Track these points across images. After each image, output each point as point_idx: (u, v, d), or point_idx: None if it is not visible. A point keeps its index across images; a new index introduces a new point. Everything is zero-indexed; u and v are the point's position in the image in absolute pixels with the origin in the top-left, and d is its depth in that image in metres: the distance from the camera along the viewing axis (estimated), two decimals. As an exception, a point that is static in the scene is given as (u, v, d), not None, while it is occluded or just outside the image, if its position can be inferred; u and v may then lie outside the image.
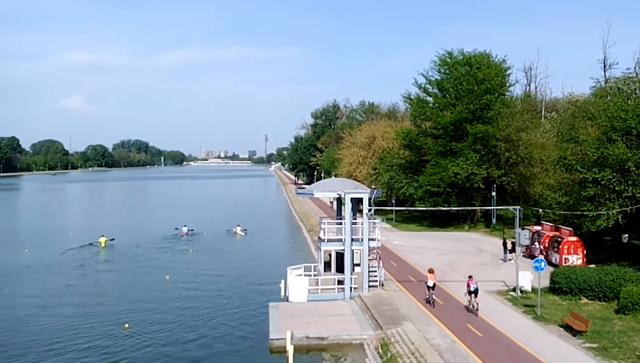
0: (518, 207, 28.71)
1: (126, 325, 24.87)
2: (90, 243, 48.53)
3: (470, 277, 24.61)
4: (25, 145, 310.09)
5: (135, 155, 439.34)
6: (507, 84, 56.00)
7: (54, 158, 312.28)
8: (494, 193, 50.54)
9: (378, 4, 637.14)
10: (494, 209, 48.27)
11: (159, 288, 32.67)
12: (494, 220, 52.13)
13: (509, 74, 55.32)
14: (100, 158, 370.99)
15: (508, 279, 29.48)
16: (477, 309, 23.57)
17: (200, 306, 28.66)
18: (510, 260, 34.70)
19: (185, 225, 56.12)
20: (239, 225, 57.01)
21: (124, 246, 49.03)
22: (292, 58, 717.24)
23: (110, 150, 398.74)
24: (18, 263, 40.59)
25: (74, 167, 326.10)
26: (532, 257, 33.27)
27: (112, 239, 49.39)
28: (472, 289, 23.73)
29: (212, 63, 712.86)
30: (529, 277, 27.66)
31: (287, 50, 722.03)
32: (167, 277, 35.40)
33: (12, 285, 34.09)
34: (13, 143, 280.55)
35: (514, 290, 27.48)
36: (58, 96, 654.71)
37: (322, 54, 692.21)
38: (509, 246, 35.95)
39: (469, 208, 48.09)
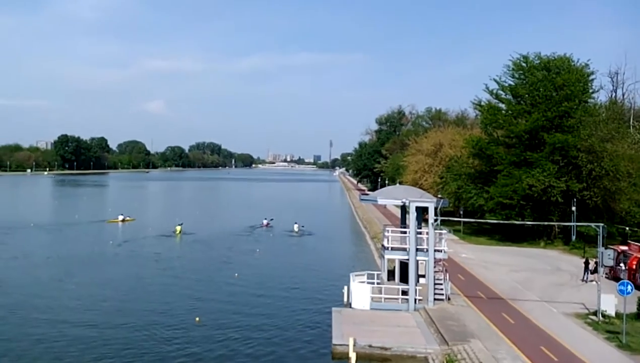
0: (601, 224, 26.64)
1: (197, 319, 25.90)
2: (168, 228, 55.55)
3: None
4: (112, 145, 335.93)
5: (208, 157, 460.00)
6: (590, 90, 52.29)
7: (137, 157, 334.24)
8: (574, 208, 47.17)
9: (444, 7, 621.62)
10: (573, 225, 45.10)
11: (227, 286, 33.79)
12: (573, 237, 48.63)
13: (592, 80, 51.77)
14: (178, 158, 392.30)
15: (588, 302, 27.31)
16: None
17: (266, 305, 29.20)
18: (591, 281, 32.20)
19: (265, 218, 64.53)
20: (296, 223, 61.02)
21: (197, 240, 52.52)
22: (357, 63, 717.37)
23: (187, 151, 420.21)
24: (103, 254, 43.90)
25: (154, 166, 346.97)
26: (616, 279, 30.70)
27: (181, 223, 56.15)
28: None
29: (280, 69, 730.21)
30: (612, 300, 25.45)
31: (352, 56, 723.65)
32: (236, 274, 36.47)
33: (94, 271, 36.85)
34: (102, 143, 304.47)
35: (594, 314, 25.40)
36: (141, 100, 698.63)
37: (387, 59, 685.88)
38: (591, 266, 33.34)
39: (546, 223, 45.03)
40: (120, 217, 65.73)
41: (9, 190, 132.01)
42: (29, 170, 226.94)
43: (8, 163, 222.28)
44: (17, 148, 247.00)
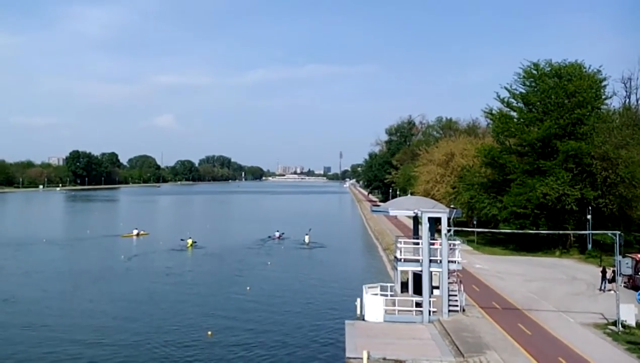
0: (618, 232, 26.14)
1: (209, 333, 25.83)
2: (181, 239, 56.47)
3: None
4: (123, 160, 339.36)
5: (218, 170, 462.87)
6: (603, 97, 51.72)
7: (148, 172, 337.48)
8: (589, 217, 46.41)
9: (454, 16, 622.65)
10: (589, 234, 44.35)
11: (239, 298, 33.73)
12: (589, 246, 47.83)
13: (604, 86, 51.20)
14: (188, 172, 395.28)
15: (607, 312, 26.71)
16: None
17: (278, 318, 29.11)
18: (609, 290, 31.51)
19: (277, 230, 65.35)
20: (307, 234, 62.60)
21: (209, 254, 52.78)
22: (366, 74, 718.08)
23: (197, 165, 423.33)
24: (115, 268, 44.12)
25: (164, 180, 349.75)
26: (635, 288, 30.08)
27: (197, 243, 56.12)
28: None
29: (288, 81, 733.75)
30: (633, 310, 24.89)
31: (361, 67, 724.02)
32: (248, 288, 36.34)
33: (106, 285, 37.03)
34: (113, 158, 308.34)
35: (614, 324, 24.80)
36: (151, 115, 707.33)
37: (396, 69, 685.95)
38: (609, 275, 32.67)
39: (561, 232, 44.32)
40: (135, 232, 66.23)
41: (22, 206, 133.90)
42: (41, 186, 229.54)
43: (21, 179, 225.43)
44: (29, 164, 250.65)
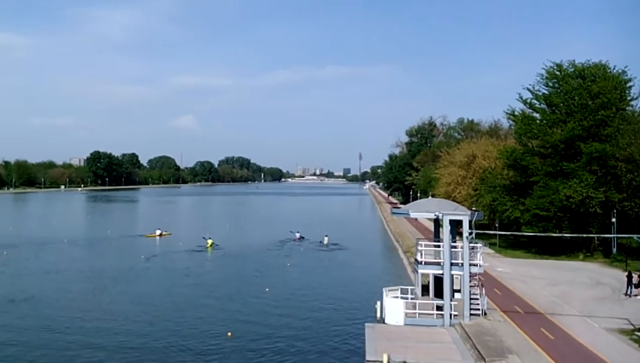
0: (645, 236, 25.59)
1: (229, 334, 26.14)
2: (203, 237, 57.76)
3: None
4: (143, 160, 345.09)
5: (238, 171, 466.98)
6: (628, 98, 50.66)
7: (167, 173, 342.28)
8: (614, 220, 45.52)
9: (474, 16, 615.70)
10: (614, 237, 43.47)
11: (258, 300, 33.97)
12: (614, 250, 46.90)
13: (629, 87, 50.11)
14: (207, 173, 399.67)
15: (633, 317, 26.28)
16: None
17: (298, 320, 29.27)
18: (635, 295, 30.94)
19: (297, 231, 65.66)
20: (326, 235, 62.92)
21: (228, 254, 53.43)
22: (386, 75, 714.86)
23: (216, 166, 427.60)
24: (136, 268, 44.97)
25: (184, 181, 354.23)
26: (662, 293, 29.37)
27: (217, 244, 56.84)
28: None
29: (308, 82, 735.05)
30: (660, 316, 24.39)
31: (381, 67, 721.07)
32: (267, 289, 36.62)
33: (127, 285, 37.82)
34: (133, 159, 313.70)
35: (640, 330, 24.38)
36: (171, 116, 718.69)
37: (416, 70, 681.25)
38: (635, 280, 32.07)
39: (585, 235, 43.60)
40: (158, 232, 67.40)
41: (44, 207, 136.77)
42: (62, 187, 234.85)
43: (43, 180, 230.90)
44: (51, 165, 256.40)
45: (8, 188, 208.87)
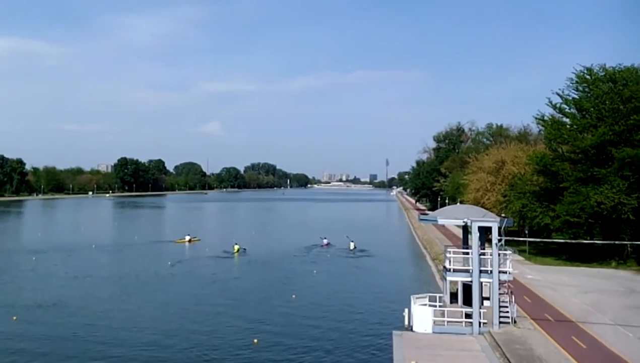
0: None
1: (255, 340, 26.52)
2: (230, 245, 58.98)
3: None
4: (169, 166, 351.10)
5: (264, 178, 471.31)
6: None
7: (193, 179, 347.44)
8: (648, 226, 44.44)
9: (503, 20, 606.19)
10: (648, 244, 42.33)
11: (285, 307, 34.33)
12: (648, 257, 45.71)
13: (663, 90, 48.84)
14: (233, 179, 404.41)
15: (669, 327, 25.67)
16: None
17: (325, 327, 29.55)
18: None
19: (325, 237, 66.42)
20: (352, 241, 63.77)
21: (254, 260, 54.15)
22: (414, 80, 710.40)
23: (242, 172, 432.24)
24: (162, 273, 46.09)
25: (210, 188, 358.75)
26: (700, 302, 28.56)
27: (244, 249, 57.84)
28: None
29: (335, 88, 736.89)
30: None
31: (409, 72, 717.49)
32: (293, 296, 37.03)
33: (154, 291, 38.72)
34: (159, 165, 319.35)
35: (677, 340, 23.83)
36: (197, 122, 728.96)
37: (444, 75, 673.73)
38: (670, 288, 31.28)
39: (617, 242, 42.66)
40: (187, 238, 68.91)
41: (73, 213, 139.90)
42: (90, 193, 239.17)
43: (71, 186, 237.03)
44: (79, 171, 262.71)
45: (37, 195, 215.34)
